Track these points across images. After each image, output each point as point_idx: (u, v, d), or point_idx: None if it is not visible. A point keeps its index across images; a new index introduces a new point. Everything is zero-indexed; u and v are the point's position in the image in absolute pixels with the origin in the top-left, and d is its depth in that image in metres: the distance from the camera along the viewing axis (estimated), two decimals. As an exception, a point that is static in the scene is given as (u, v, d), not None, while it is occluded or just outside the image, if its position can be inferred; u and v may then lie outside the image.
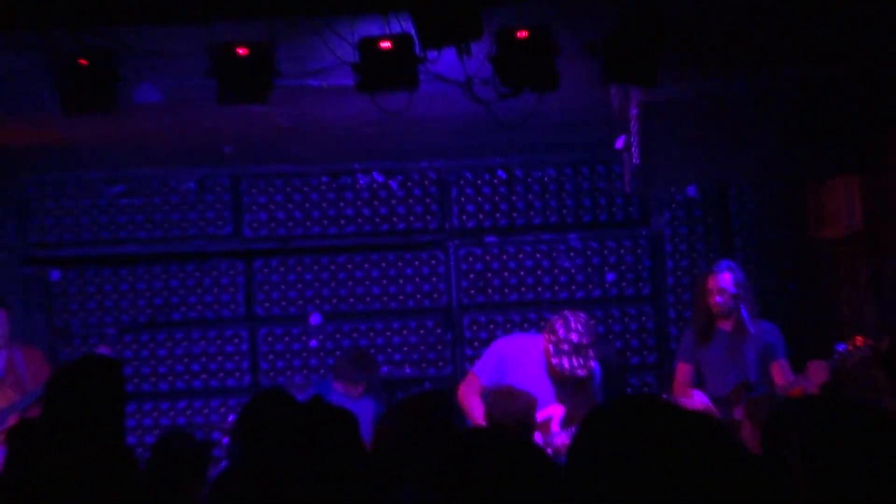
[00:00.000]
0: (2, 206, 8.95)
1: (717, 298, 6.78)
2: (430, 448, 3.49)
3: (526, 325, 9.02)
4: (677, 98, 6.57)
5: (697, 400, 6.17)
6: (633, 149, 6.69)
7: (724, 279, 6.75)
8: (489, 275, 8.99)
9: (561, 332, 6.11)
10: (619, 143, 6.88)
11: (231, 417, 7.66)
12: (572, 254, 8.97)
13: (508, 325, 9.05)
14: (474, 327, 9.02)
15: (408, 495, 3.35)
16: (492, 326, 9.05)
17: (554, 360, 6.18)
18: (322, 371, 8.94)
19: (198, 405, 9.01)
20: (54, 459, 3.05)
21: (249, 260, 9.00)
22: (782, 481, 2.33)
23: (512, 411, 5.45)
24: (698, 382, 6.87)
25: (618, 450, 1.97)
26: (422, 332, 8.99)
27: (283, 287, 9.01)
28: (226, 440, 7.29)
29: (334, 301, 8.98)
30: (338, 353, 8.69)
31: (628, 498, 1.95)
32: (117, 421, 3.68)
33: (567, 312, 6.22)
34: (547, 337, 6.28)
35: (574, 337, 6.05)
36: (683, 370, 6.97)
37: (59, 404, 3.72)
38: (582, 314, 6.24)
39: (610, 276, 8.97)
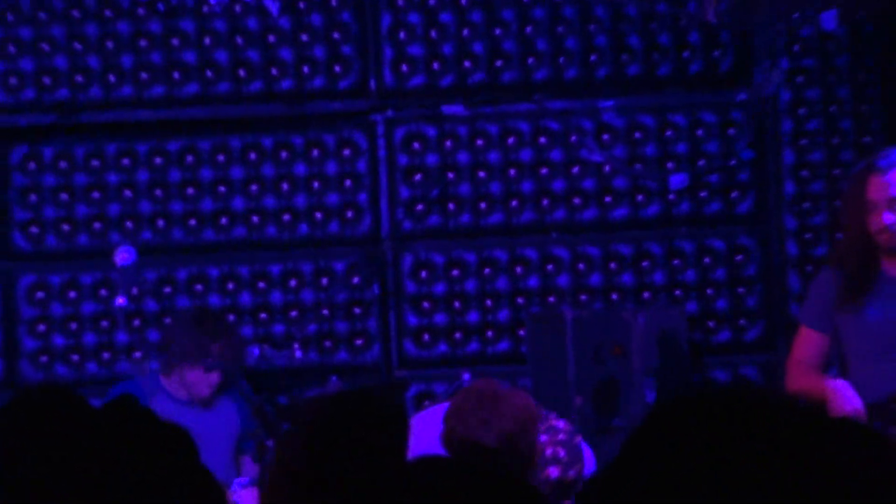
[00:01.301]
0: None
1: (888, 217, 5.94)
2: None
3: (519, 272, 7.44)
4: None
5: (843, 396, 5.70)
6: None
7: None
8: (451, 175, 7.42)
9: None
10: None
11: None
12: (607, 137, 7.47)
13: (486, 271, 7.39)
14: (423, 274, 7.43)
15: None
16: (455, 272, 7.39)
17: None
18: (140, 355, 7.28)
19: None
20: None
21: (2, 146, 7.27)
22: None
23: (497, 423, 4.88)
24: (840, 370, 6.16)
25: (686, 478, 1.80)
26: (325, 282, 7.38)
27: (64, 197, 7.28)
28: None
29: (161, 224, 7.27)
30: (167, 319, 7.25)
31: None
32: None
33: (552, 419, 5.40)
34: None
35: (553, 472, 5.35)
36: (812, 342, 6.21)
37: None
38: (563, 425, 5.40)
39: (677, 180, 7.44)
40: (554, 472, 5.24)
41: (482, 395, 4.68)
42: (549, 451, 5.28)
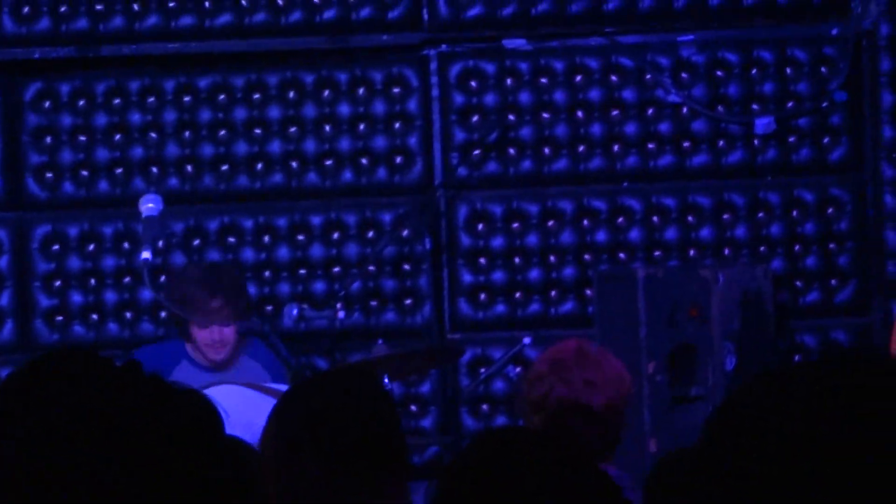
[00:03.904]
0: None
1: None
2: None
3: (587, 225, 7.29)
4: None
5: None
6: None
7: None
8: (511, 117, 7.29)
9: None
10: None
11: None
12: (686, 75, 7.34)
13: (549, 223, 7.28)
14: (480, 226, 7.33)
15: None
16: (516, 225, 7.31)
17: None
18: (163, 314, 7.23)
19: None
20: None
21: (12, 84, 7.15)
22: None
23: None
24: None
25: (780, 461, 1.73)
26: (371, 235, 7.26)
27: (82, 139, 7.17)
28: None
29: (190, 170, 7.19)
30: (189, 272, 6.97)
31: None
32: None
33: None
34: None
35: None
36: None
37: None
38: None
39: (762, 123, 7.31)
40: None
41: (583, 355, 4.60)
42: None
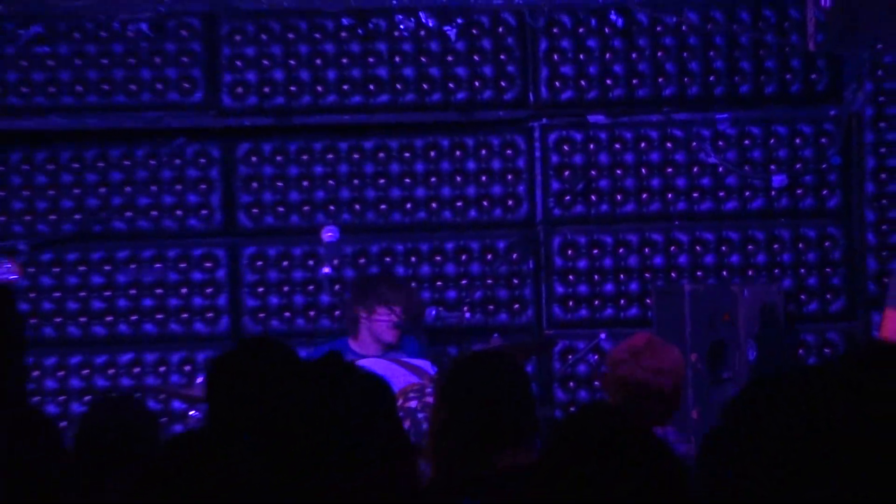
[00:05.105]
0: None
1: None
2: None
3: (647, 252, 8.15)
4: None
5: None
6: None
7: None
8: (593, 173, 8.21)
9: None
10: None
11: (200, 379, 7.32)
12: (721, 144, 8.24)
13: (620, 251, 8.16)
14: (569, 252, 8.19)
15: None
16: (595, 252, 8.15)
17: None
18: (338, 313, 8.10)
19: (150, 359, 8.27)
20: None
21: (230, 143, 8.18)
22: None
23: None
24: None
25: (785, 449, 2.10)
26: (489, 258, 8.16)
27: (280, 185, 8.18)
28: (194, 413, 7.14)
29: (358, 208, 8.14)
30: (377, 278, 7.97)
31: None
32: (15, 376, 3.92)
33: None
34: None
35: None
36: (894, 321, 6.68)
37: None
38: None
39: (778, 180, 8.24)
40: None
41: (652, 345, 5.18)
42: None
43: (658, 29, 8.01)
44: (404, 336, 7.31)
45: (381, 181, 8.05)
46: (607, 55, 8.02)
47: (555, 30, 8.03)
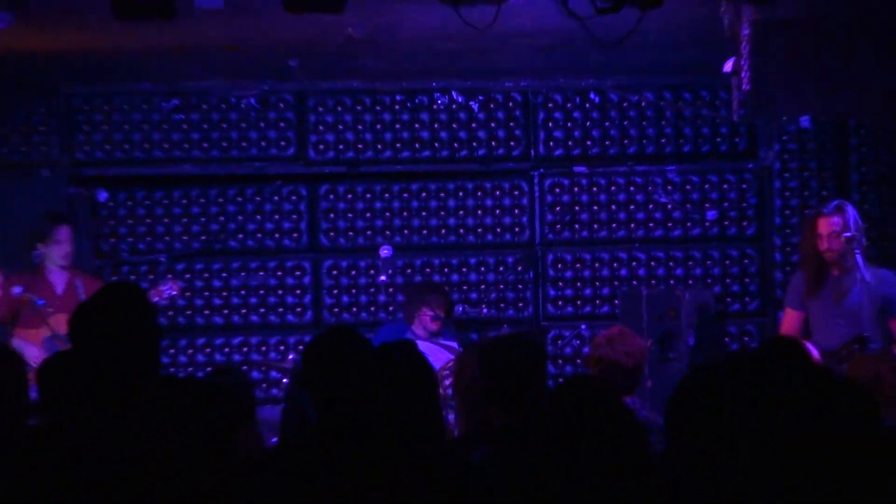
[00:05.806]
0: (46, 120, 9.00)
1: (828, 243, 6.85)
2: (515, 401, 3.78)
3: (615, 266, 9.07)
4: (794, 18, 6.52)
5: (810, 350, 6.12)
6: (742, 73, 6.62)
7: (836, 222, 6.79)
8: (577, 208, 9.10)
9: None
10: (728, 67, 6.83)
11: (292, 356, 8.09)
12: (670, 188, 9.04)
13: (596, 265, 9.14)
14: (559, 266, 9.15)
15: (482, 456, 3.50)
16: (578, 265, 9.18)
17: None
18: (391, 308, 9.04)
19: (254, 341, 9.07)
20: (106, 401, 3.24)
21: (314, 185, 9.10)
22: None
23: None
24: (805, 334, 6.93)
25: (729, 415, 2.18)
26: (501, 269, 9.07)
27: (350, 215, 9.12)
28: (285, 380, 7.31)
29: (406, 233, 9.10)
30: (407, 287, 8.73)
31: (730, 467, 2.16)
32: (153, 354, 3.63)
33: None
34: None
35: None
36: (792, 317, 7.01)
37: (87, 337, 3.64)
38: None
39: (711, 214, 9.05)
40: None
41: (623, 334, 5.36)
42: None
43: (625, 105, 9.11)
44: (442, 326, 7.96)
45: (423, 213, 9.12)
46: (587, 123, 9.10)
47: (550, 105, 9.14)
